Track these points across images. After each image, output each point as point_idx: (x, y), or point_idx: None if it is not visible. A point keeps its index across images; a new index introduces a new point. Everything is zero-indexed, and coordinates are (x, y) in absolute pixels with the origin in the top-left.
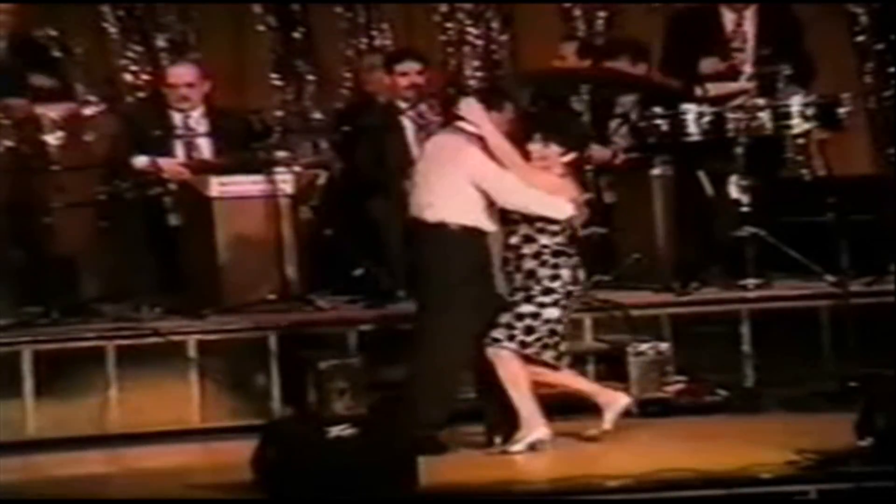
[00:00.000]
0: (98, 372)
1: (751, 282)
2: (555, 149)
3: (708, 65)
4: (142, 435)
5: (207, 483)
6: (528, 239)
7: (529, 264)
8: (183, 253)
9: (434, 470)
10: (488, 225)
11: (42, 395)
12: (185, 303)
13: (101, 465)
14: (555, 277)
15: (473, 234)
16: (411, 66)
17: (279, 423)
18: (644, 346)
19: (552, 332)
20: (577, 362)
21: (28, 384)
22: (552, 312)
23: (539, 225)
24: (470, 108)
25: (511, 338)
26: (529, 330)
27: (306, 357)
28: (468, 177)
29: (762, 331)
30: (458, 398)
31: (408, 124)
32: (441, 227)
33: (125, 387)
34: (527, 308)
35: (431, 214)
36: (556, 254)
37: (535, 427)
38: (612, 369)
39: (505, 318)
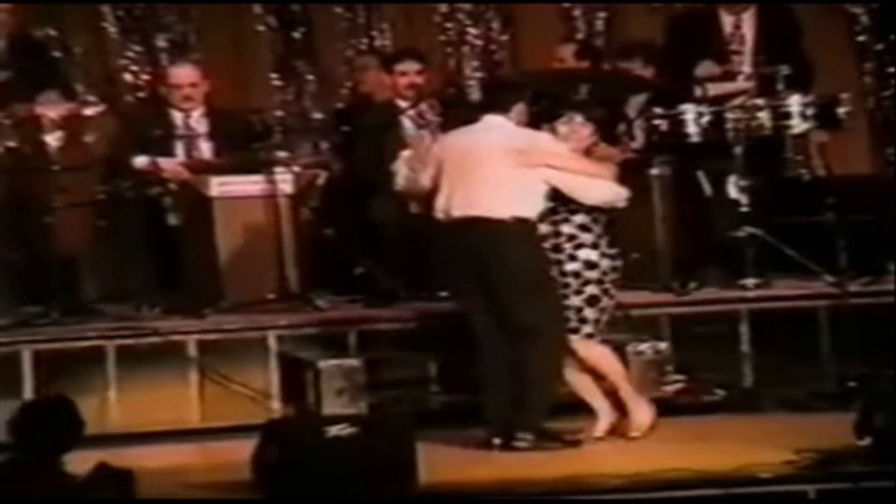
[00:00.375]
0: (98, 372)
1: (750, 282)
2: (580, 125)
3: (704, 68)
4: (142, 434)
5: (207, 482)
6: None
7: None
8: (183, 253)
9: (434, 469)
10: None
11: (42, 395)
12: (185, 303)
13: None
14: (589, 264)
15: (534, 227)
16: (410, 66)
17: (279, 423)
18: (643, 346)
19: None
20: None
21: (28, 384)
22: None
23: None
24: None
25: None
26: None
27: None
28: (541, 173)
29: (761, 331)
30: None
31: (407, 124)
32: (521, 222)
33: (125, 386)
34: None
35: (505, 210)
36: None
37: (607, 413)
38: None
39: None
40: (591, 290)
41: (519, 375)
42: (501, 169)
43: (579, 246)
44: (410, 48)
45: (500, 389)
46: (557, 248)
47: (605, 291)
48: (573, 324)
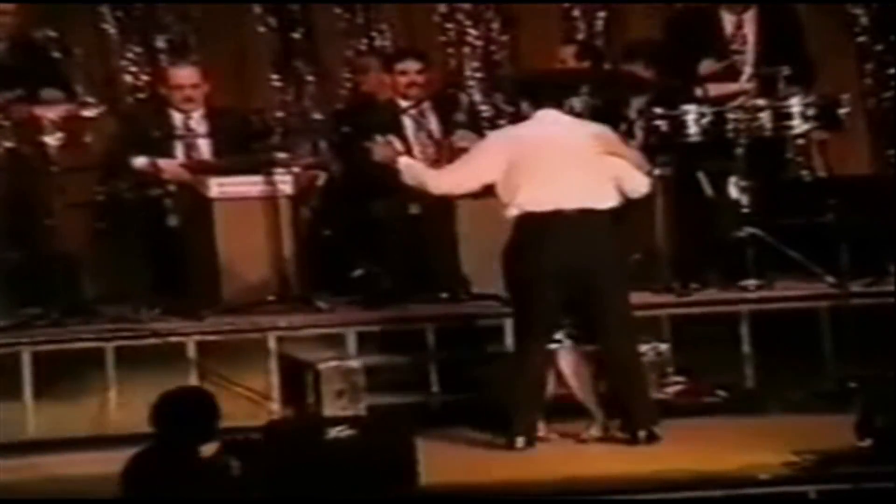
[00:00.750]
0: (97, 373)
1: (751, 282)
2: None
3: (706, 66)
4: (141, 436)
5: None
6: None
7: None
8: (182, 254)
9: (434, 470)
10: None
11: (41, 396)
12: (185, 304)
13: (100, 466)
14: None
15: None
16: (411, 66)
17: (278, 424)
18: (644, 347)
19: None
20: None
21: (27, 385)
22: None
23: None
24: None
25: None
26: None
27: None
28: (614, 162)
29: (762, 332)
30: None
31: (408, 123)
32: (609, 212)
33: (124, 388)
34: None
35: (597, 201)
36: None
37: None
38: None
39: None
40: None
41: (622, 375)
42: (588, 159)
43: None
44: (411, 48)
45: (535, 395)
46: None
47: None
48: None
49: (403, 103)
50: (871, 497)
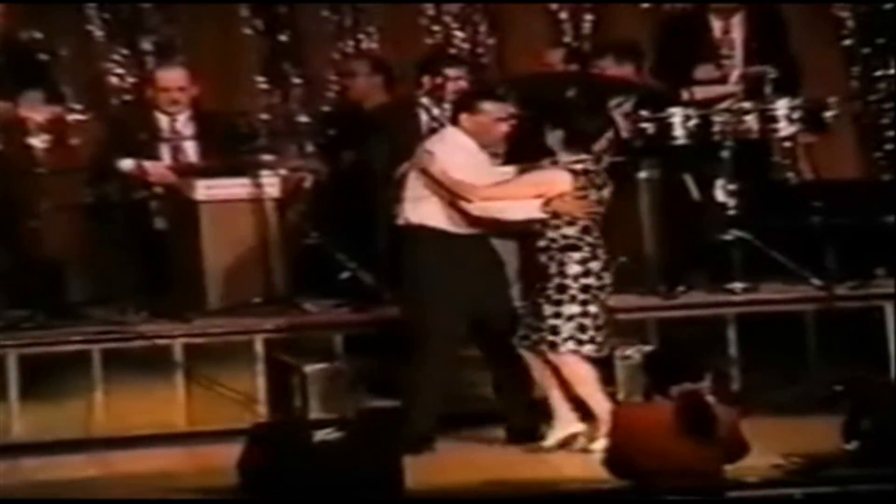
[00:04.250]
0: (84, 375)
1: (737, 285)
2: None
3: (703, 72)
4: (128, 438)
5: (194, 486)
6: (538, 234)
7: (541, 259)
8: (169, 256)
9: (428, 471)
10: None
11: (28, 399)
12: (171, 306)
13: (87, 469)
14: (562, 273)
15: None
16: (455, 72)
17: (265, 427)
18: (630, 350)
19: (580, 328)
20: None
21: (13, 387)
22: (571, 308)
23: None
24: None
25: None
26: (553, 329)
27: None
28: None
29: (748, 334)
30: None
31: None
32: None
33: (111, 390)
34: (547, 307)
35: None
36: (563, 248)
37: (567, 423)
38: (598, 373)
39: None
40: (573, 308)
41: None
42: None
43: (534, 252)
44: (451, 53)
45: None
46: (550, 257)
47: (584, 303)
48: (550, 337)
49: (434, 107)
50: (858, 499)
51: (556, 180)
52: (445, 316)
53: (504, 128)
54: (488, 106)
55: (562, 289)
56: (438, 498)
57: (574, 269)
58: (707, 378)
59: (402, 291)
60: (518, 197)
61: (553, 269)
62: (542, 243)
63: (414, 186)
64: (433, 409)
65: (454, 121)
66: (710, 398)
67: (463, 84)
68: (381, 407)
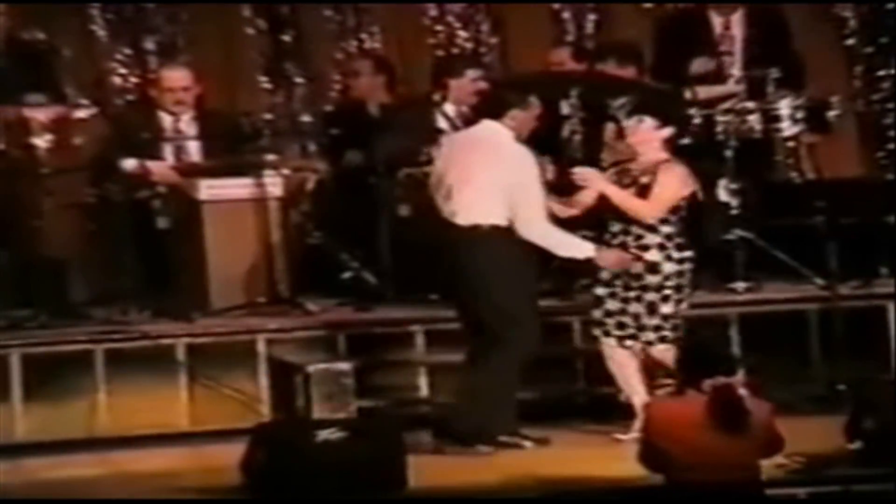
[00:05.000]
0: (87, 375)
1: (740, 285)
2: (649, 123)
3: (699, 65)
4: (131, 438)
5: (196, 486)
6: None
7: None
8: (172, 256)
9: (428, 472)
10: None
11: (31, 399)
12: (174, 306)
13: (90, 468)
14: (657, 272)
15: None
16: (478, 73)
17: (268, 427)
18: None
19: (674, 327)
20: (566, 365)
21: (16, 387)
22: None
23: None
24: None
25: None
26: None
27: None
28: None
29: (751, 334)
30: None
31: (443, 124)
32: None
33: (114, 390)
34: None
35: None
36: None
37: None
38: (600, 373)
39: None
40: (650, 296)
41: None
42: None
43: (644, 248)
44: (471, 55)
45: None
46: (624, 247)
47: (665, 298)
48: (630, 330)
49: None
50: (861, 499)
51: (688, 181)
52: (528, 315)
53: (535, 123)
54: (534, 101)
55: (658, 288)
56: (438, 498)
57: (669, 267)
58: (740, 372)
59: (472, 293)
60: (673, 201)
61: (648, 267)
62: (638, 241)
63: (483, 188)
64: (512, 410)
65: (496, 117)
66: (744, 392)
67: (482, 85)
68: (381, 407)
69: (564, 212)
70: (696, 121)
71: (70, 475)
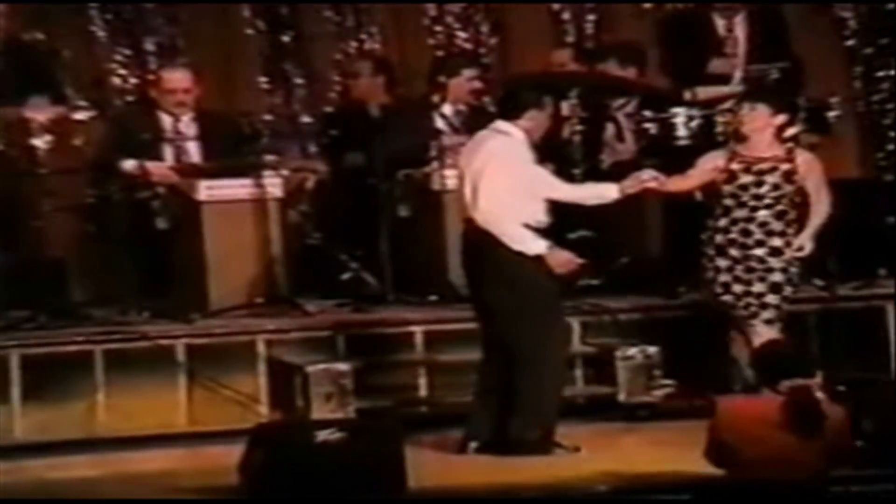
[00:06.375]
0: (86, 376)
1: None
2: (763, 110)
3: (715, 66)
4: (130, 439)
5: (195, 486)
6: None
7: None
8: (171, 257)
9: (427, 472)
10: None
11: (30, 399)
12: (174, 307)
13: (89, 469)
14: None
15: None
16: (474, 72)
17: (267, 427)
18: (632, 350)
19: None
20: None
21: (16, 388)
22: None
23: None
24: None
25: None
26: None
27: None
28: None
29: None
30: None
31: (440, 124)
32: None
33: (113, 391)
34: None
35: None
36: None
37: None
38: (600, 373)
39: None
40: (776, 277)
41: None
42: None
43: (770, 233)
44: (468, 55)
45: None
46: (747, 233)
47: (789, 280)
48: (753, 308)
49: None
50: (861, 499)
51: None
52: (557, 314)
53: (549, 123)
54: (549, 101)
55: (762, 261)
56: (438, 498)
57: (776, 241)
58: (818, 374)
59: (495, 294)
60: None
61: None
62: (763, 228)
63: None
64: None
65: (511, 118)
66: (821, 395)
67: (478, 85)
68: (381, 407)
69: (678, 185)
70: (696, 121)
71: (69, 476)
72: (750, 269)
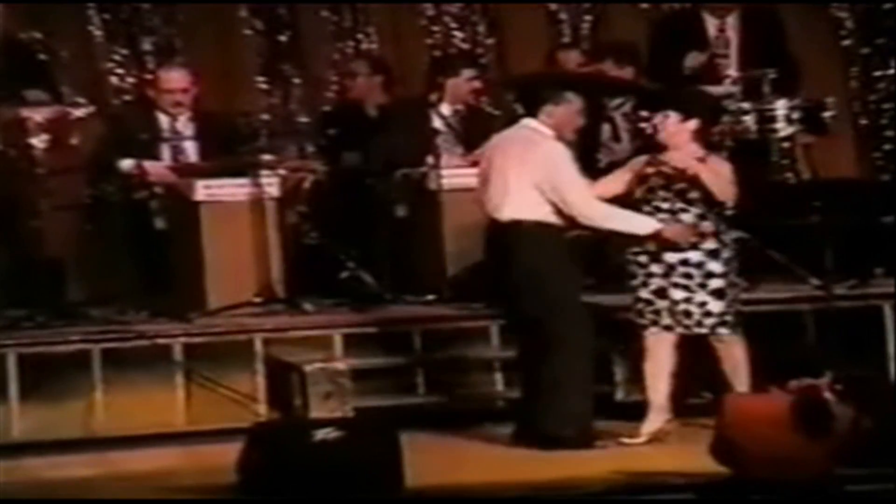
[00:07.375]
0: (84, 375)
1: None
2: (674, 117)
3: (691, 59)
4: (128, 438)
5: (193, 486)
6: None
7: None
8: (169, 256)
9: (427, 471)
10: None
11: (27, 398)
12: (171, 306)
13: (87, 468)
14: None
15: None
16: (473, 72)
17: (265, 426)
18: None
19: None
20: None
21: (13, 387)
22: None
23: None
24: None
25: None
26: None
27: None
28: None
29: (747, 334)
30: None
31: (437, 124)
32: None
33: (111, 390)
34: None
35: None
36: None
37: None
38: (598, 372)
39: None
40: (716, 283)
41: None
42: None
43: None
44: (467, 55)
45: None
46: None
47: (732, 284)
48: (696, 318)
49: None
50: (859, 498)
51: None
52: (579, 309)
53: (580, 120)
54: (571, 96)
55: (709, 276)
56: (438, 498)
57: (727, 253)
58: (827, 374)
59: (518, 290)
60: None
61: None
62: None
63: (517, 185)
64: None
65: (532, 114)
66: (829, 395)
67: (477, 85)
68: (380, 406)
69: (606, 191)
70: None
71: (67, 475)
72: (688, 276)
